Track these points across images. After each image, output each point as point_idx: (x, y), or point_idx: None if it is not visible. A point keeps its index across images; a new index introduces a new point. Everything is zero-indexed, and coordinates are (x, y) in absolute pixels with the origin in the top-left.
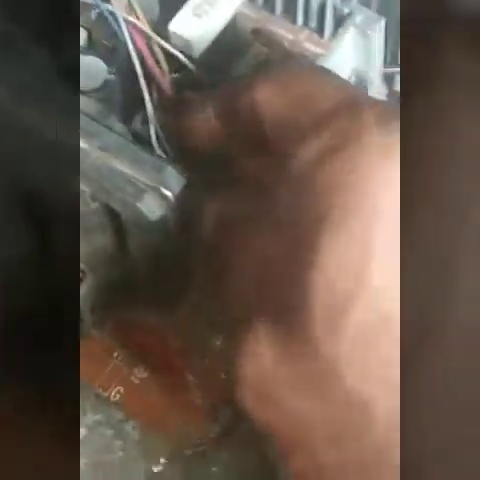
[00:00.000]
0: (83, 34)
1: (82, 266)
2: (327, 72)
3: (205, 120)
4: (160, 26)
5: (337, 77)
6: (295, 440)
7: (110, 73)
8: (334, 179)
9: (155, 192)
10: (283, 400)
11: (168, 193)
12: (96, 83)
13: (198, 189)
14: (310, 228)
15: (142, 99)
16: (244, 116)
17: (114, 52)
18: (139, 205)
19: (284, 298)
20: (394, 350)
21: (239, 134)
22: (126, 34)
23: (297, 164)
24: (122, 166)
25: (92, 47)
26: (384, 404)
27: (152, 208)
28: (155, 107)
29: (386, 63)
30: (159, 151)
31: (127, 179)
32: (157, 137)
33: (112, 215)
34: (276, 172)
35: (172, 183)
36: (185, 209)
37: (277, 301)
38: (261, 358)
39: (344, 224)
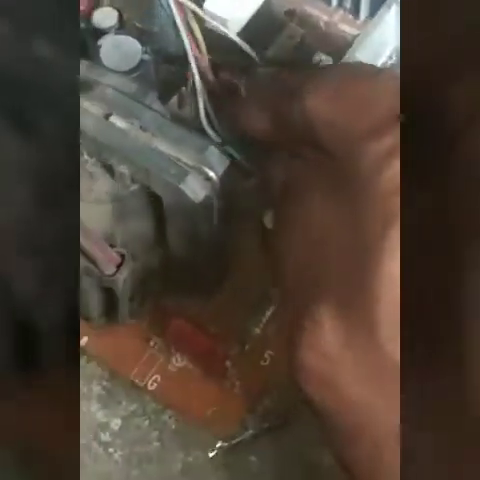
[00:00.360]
0: (114, 14)
1: (122, 251)
2: (379, 71)
3: (254, 118)
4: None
5: (389, 74)
6: (356, 429)
7: (145, 53)
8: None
9: (198, 173)
10: (345, 388)
11: (212, 174)
12: (132, 63)
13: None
14: (375, 233)
15: (183, 79)
16: (296, 123)
17: (146, 33)
18: (182, 186)
19: (349, 288)
20: None
21: (291, 137)
22: (174, 11)
23: (357, 167)
24: (163, 146)
25: (123, 28)
26: None
27: (195, 189)
28: (199, 87)
29: None
30: (207, 128)
31: (169, 160)
32: (206, 114)
33: (152, 198)
34: (335, 173)
35: (216, 163)
36: (230, 190)
37: (341, 290)
38: (324, 344)
39: None
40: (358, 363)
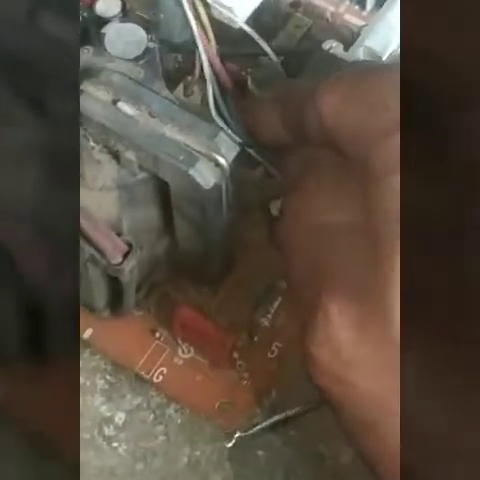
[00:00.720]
0: (117, 4)
1: (128, 238)
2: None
3: (265, 120)
4: None
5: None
6: (369, 422)
7: (150, 41)
8: None
9: (208, 159)
10: (358, 383)
11: (222, 160)
12: (137, 51)
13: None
14: (389, 230)
15: (189, 67)
16: (309, 127)
17: (150, 21)
18: (192, 172)
19: (359, 282)
20: None
21: (304, 139)
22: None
23: (371, 166)
24: (172, 132)
25: (126, 17)
26: None
27: (205, 176)
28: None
29: None
30: (216, 116)
31: (178, 146)
32: (215, 101)
33: (160, 185)
34: (349, 172)
35: (226, 150)
36: (240, 177)
37: (351, 284)
38: (336, 341)
39: None
40: (371, 358)
